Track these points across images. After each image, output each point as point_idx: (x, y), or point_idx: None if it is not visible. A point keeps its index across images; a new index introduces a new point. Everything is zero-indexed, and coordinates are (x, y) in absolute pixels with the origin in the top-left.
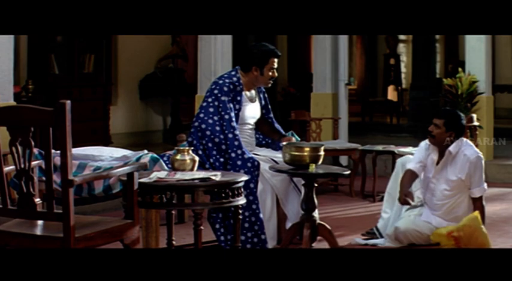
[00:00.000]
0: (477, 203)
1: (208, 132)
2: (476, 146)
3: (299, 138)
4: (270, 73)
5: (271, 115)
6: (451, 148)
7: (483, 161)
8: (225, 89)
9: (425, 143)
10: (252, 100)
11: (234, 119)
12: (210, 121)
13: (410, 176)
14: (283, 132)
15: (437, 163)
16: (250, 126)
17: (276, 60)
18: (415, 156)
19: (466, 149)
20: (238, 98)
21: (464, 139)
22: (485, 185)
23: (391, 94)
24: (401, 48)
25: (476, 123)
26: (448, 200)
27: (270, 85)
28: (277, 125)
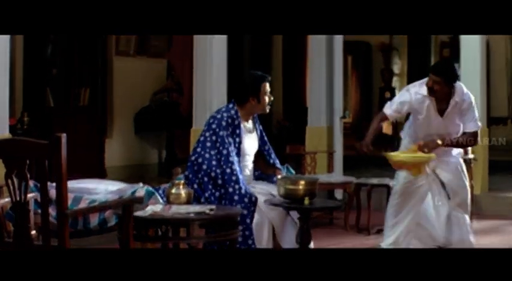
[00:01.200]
0: (470, 135)
1: (204, 167)
2: (471, 178)
3: (294, 172)
4: (266, 98)
5: (268, 147)
6: (457, 98)
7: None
8: (223, 123)
9: (414, 90)
10: (250, 131)
11: (232, 154)
12: (207, 156)
13: (381, 121)
14: (279, 166)
15: (438, 110)
16: (251, 159)
17: (267, 84)
18: (395, 102)
19: (463, 95)
20: (238, 131)
21: (458, 84)
22: (478, 122)
23: (386, 128)
24: (396, 81)
25: (471, 156)
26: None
27: (268, 111)
28: (272, 158)
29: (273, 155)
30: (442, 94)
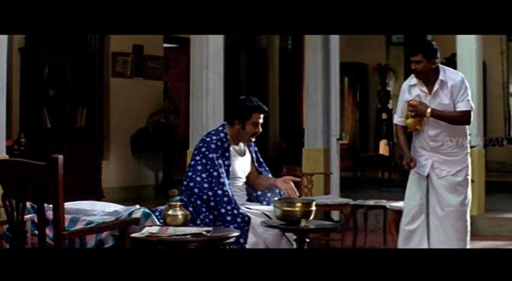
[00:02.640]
0: (461, 113)
1: (196, 190)
2: None
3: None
4: (253, 128)
5: (263, 168)
6: (442, 77)
7: (467, 83)
8: (213, 146)
9: (405, 85)
10: (241, 154)
11: (223, 175)
12: (198, 179)
13: (403, 132)
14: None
15: (429, 93)
16: (242, 181)
17: (261, 115)
18: (399, 108)
19: (452, 74)
20: (227, 153)
21: (443, 66)
22: (471, 103)
23: (383, 149)
24: (393, 102)
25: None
26: (447, 125)
27: (252, 142)
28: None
29: (269, 175)
30: (427, 72)
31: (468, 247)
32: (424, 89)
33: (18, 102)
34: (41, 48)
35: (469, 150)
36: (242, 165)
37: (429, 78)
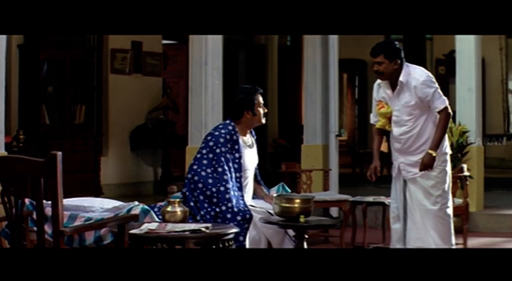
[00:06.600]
0: (441, 115)
1: (200, 185)
2: (467, 196)
3: (289, 190)
4: (261, 109)
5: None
6: (402, 78)
7: (433, 79)
8: (221, 140)
9: (375, 84)
10: (249, 146)
11: (227, 172)
12: (203, 173)
13: (379, 133)
14: (265, 186)
15: (392, 91)
16: (251, 174)
17: (260, 96)
18: (373, 107)
19: (416, 74)
20: (237, 146)
21: (409, 64)
22: (445, 99)
23: (382, 145)
24: None
25: (466, 173)
26: (412, 126)
27: (264, 122)
28: (259, 178)
29: (258, 178)
30: (390, 73)
31: (454, 245)
32: (388, 89)
33: (17, 99)
34: (40, 45)
35: (447, 150)
36: (251, 157)
37: (393, 79)
